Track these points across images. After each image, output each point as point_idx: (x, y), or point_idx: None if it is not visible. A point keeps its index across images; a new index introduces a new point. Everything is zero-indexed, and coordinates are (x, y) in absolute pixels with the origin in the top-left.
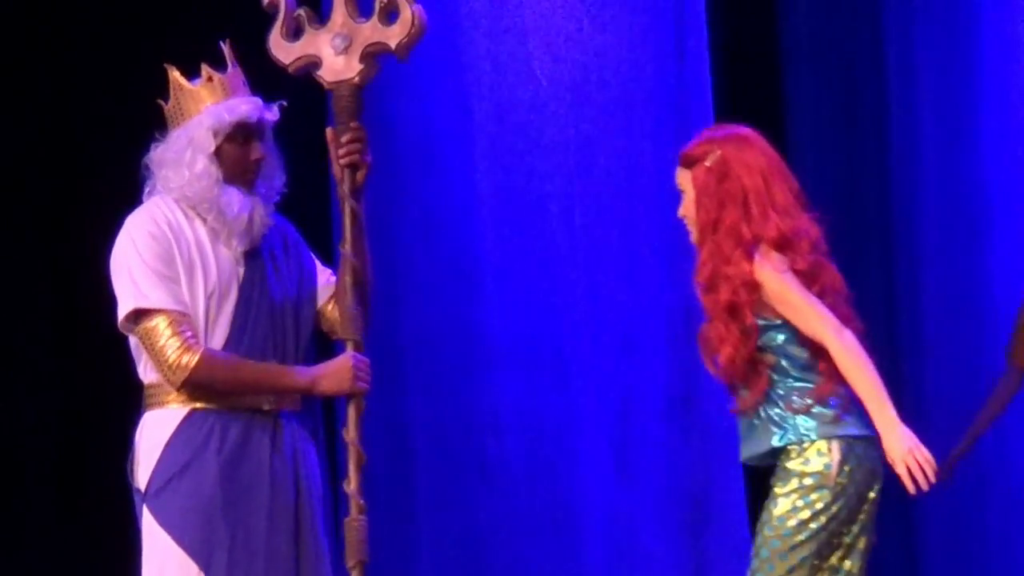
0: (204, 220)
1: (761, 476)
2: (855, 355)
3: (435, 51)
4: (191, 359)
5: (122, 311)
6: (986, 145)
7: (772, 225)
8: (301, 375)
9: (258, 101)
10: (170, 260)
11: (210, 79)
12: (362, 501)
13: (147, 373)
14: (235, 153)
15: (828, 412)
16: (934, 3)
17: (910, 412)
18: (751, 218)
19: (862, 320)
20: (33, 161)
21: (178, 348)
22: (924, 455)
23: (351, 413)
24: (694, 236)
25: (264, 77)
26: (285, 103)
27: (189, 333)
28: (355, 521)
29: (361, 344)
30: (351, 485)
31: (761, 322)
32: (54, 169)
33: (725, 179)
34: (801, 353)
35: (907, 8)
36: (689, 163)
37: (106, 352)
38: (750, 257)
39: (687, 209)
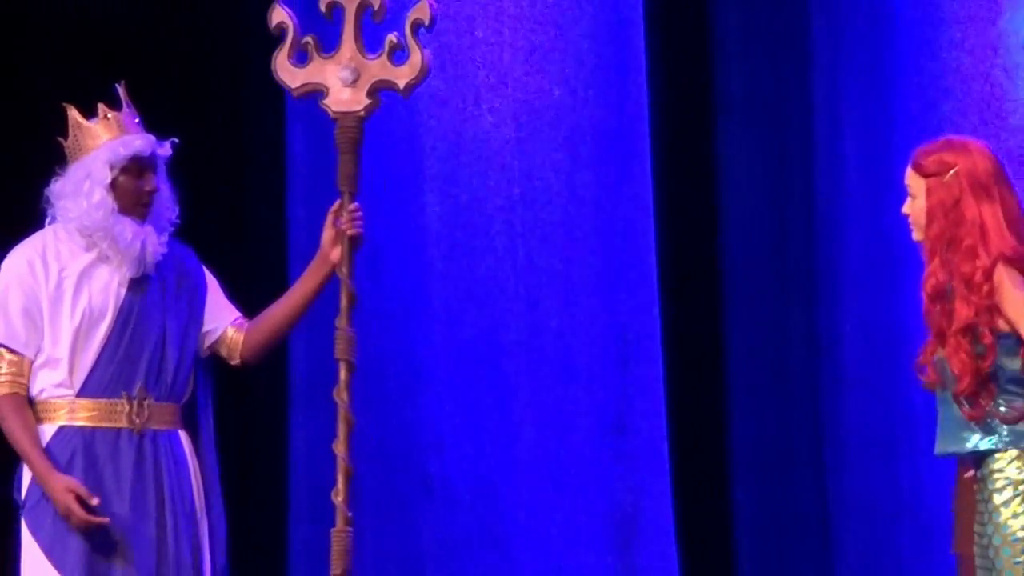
0: (98, 247)
1: (689, 496)
2: None
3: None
4: None
5: None
6: (904, 191)
7: (1009, 245)
8: (38, 465)
9: (151, 138)
10: (30, 303)
11: (106, 117)
12: (349, 513)
13: (34, 387)
14: (130, 185)
15: None
16: (857, 58)
17: (831, 443)
18: (988, 240)
19: (787, 355)
20: None
21: None
22: None
23: (341, 427)
24: (917, 236)
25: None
26: (177, 140)
27: (6, 371)
28: (341, 532)
29: (353, 365)
30: (339, 496)
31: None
32: None
33: (962, 200)
34: (1014, 365)
35: (833, 66)
36: (923, 172)
37: None
38: (989, 277)
39: (914, 212)
